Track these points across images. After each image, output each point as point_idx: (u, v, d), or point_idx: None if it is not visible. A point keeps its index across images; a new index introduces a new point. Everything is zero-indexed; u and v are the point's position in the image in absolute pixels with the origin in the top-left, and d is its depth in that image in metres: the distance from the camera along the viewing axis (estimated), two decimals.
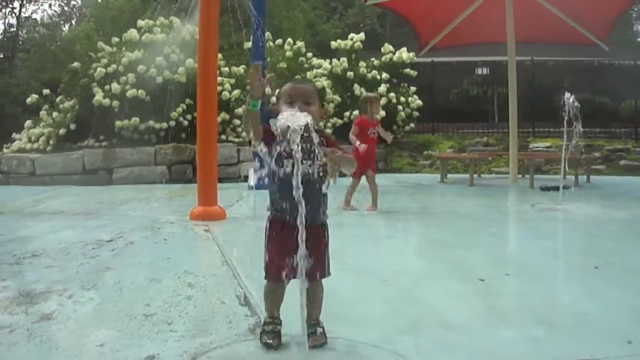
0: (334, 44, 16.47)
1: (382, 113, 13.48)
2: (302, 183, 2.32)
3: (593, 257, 4.98)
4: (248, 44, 13.36)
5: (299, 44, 15.62)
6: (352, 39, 16.22)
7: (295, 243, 2.32)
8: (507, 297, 3.88)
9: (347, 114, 14.80)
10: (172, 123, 12.20)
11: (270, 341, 2.77)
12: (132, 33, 12.84)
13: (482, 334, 3.08)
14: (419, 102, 16.26)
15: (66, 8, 36.21)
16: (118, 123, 11.93)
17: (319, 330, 2.85)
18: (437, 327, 3.17)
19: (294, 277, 2.55)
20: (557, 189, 9.19)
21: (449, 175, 12.82)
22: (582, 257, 5.20)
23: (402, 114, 15.86)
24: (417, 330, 3.11)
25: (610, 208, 8.21)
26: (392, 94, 15.57)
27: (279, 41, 15.25)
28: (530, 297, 3.83)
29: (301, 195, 2.31)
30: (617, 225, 7.13)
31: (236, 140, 12.81)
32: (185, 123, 12.27)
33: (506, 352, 2.81)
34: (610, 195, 10.24)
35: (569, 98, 8.36)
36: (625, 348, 2.85)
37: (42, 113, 13.58)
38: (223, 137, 12.47)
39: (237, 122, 13.16)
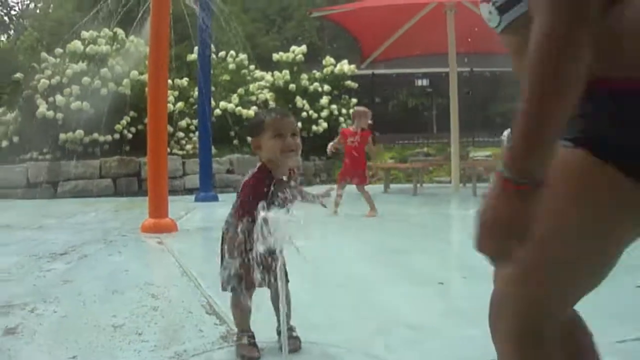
0: (275, 56, 16.51)
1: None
2: None
3: None
4: (191, 56, 13.34)
5: (242, 56, 15.64)
6: (293, 52, 16.30)
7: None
8: (467, 299, 3.97)
9: None
10: (117, 136, 12.09)
11: (250, 355, 2.73)
12: (76, 44, 12.67)
13: (448, 333, 3.13)
14: None
15: (5, 18, 35.22)
16: (62, 136, 11.76)
17: (294, 334, 2.85)
18: (404, 328, 3.21)
19: (261, 286, 2.58)
20: None
21: (391, 186, 12.93)
22: None
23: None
24: (384, 332, 3.14)
25: None
26: (333, 106, 15.72)
27: (222, 54, 15.24)
28: (489, 297, 3.90)
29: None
30: None
31: (180, 153, 12.76)
32: (130, 136, 12.17)
33: (473, 348, 2.79)
34: None
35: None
36: None
37: None
38: (167, 150, 12.36)
39: (181, 134, 13.12)
